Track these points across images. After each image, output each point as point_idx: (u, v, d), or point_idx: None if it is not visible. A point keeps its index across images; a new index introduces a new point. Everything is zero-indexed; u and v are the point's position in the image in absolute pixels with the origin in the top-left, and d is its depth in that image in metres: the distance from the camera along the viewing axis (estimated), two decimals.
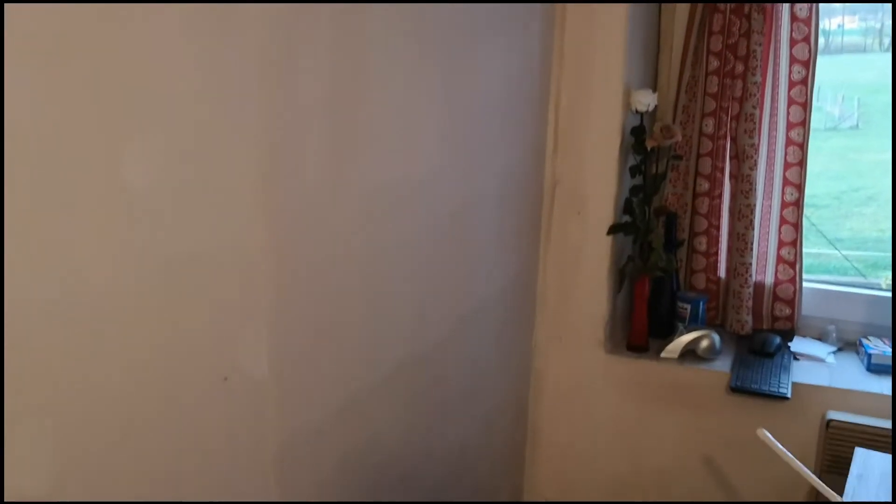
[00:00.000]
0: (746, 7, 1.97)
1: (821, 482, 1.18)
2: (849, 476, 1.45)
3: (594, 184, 2.00)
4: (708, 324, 2.13)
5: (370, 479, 1.39)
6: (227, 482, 1.03)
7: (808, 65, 1.97)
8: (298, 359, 1.14)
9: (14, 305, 0.71)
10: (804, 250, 2.09)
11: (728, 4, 1.99)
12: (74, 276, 0.77)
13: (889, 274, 2.10)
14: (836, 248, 3.44)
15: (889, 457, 1.54)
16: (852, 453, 1.56)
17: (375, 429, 1.39)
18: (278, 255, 1.06)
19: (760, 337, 2.07)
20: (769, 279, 2.12)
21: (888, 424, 1.79)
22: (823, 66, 2.01)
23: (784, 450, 1.23)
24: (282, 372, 1.10)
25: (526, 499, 2.24)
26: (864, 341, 2.02)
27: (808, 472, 1.22)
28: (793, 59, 1.98)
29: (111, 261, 0.82)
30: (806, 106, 1.99)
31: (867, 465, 1.53)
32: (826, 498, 1.19)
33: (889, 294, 2.08)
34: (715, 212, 2.10)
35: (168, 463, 0.93)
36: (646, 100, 1.93)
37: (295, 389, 1.15)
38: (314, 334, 1.17)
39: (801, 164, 2.02)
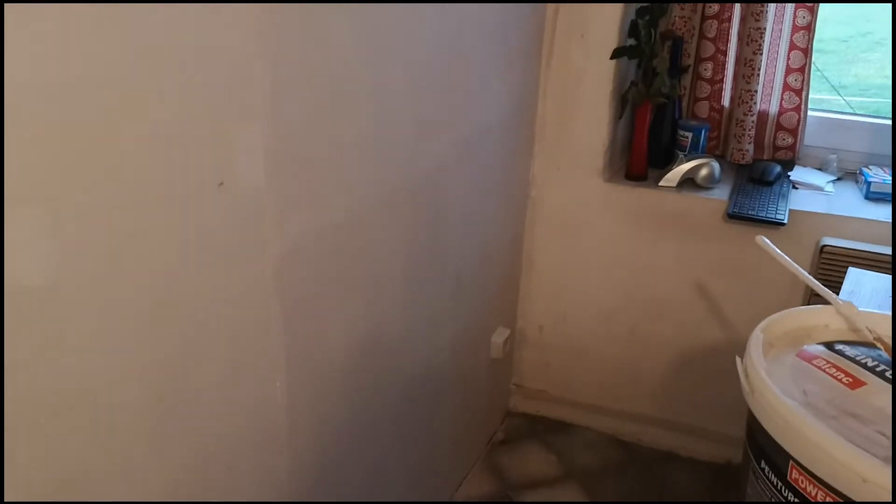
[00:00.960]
0: None
1: (818, 283, 1.19)
2: (840, 293, 1.46)
3: (598, 5, 1.92)
4: (708, 153, 2.11)
5: (369, 295, 1.40)
6: (225, 294, 1.02)
7: None
8: (296, 166, 1.11)
9: None
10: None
11: None
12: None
13: None
14: (840, 95, 3.38)
15: (883, 276, 1.56)
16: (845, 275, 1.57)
17: (375, 246, 1.39)
18: (274, 56, 1.01)
19: (760, 166, 2.05)
20: (773, 108, 2.07)
21: (882, 249, 1.80)
22: None
23: (782, 254, 1.23)
24: (280, 179, 1.07)
25: (519, 324, 2.29)
26: (865, 170, 2.00)
27: (806, 273, 1.23)
28: None
29: (96, 51, 0.77)
30: None
31: (859, 283, 1.55)
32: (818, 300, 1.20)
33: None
34: (723, 36, 2.03)
35: (167, 273, 0.92)
36: None
37: (293, 198, 1.12)
38: (312, 143, 1.13)
39: None
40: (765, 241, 1.26)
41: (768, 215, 1.87)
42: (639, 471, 2.17)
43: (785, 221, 1.85)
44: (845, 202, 1.94)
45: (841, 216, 1.88)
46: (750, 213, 1.89)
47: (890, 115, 2.06)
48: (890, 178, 1.95)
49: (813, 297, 1.84)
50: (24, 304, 0.74)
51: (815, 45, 2.00)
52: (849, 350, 1.12)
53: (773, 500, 0.99)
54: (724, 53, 2.05)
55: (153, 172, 0.86)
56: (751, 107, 2.02)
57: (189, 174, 0.92)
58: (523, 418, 2.36)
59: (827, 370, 1.08)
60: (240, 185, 1.00)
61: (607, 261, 2.14)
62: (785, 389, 1.01)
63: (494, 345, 2.12)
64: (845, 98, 3.41)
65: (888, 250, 1.79)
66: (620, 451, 2.24)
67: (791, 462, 0.95)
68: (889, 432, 0.95)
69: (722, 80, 2.08)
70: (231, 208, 1.00)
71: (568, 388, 2.31)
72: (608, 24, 1.93)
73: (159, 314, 0.92)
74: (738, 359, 1.06)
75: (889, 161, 2.02)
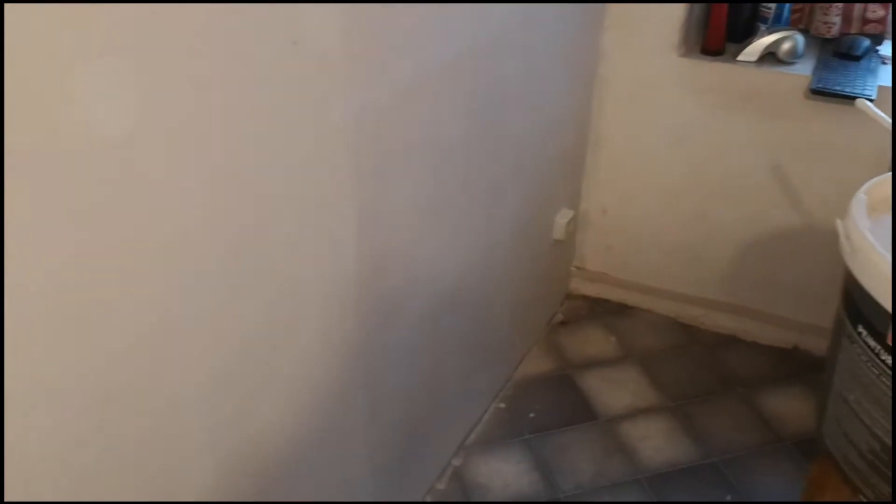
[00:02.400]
0: None
1: None
2: None
3: None
4: (792, 26, 1.99)
5: (433, 162, 1.37)
6: (299, 151, 1.01)
7: None
8: (366, 27, 1.07)
9: None
10: None
11: None
12: None
13: None
14: None
15: None
16: None
17: (437, 114, 1.35)
18: None
19: (847, 40, 1.93)
20: None
21: None
22: None
23: (885, 116, 1.16)
24: (350, 39, 1.03)
25: (583, 206, 2.25)
26: None
27: None
28: None
29: None
30: None
31: None
32: None
33: None
34: None
35: (242, 129, 0.89)
36: None
37: (363, 60, 1.09)
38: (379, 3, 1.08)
39: None
40: (866, 103, 1.19)
41: (855, 91, 1.77)
42: (699, 354, 2.16)
43: (873, 97, 1.75)
44: None
45: None
46: (835, 88, 1.80)
47: None
48: None
49: None
50: (103, 155, 0.73)
51: None
52: None
53: (869, 363, 0.97)
54: None
55: (230, 28, 0.84)
56: None
57: (264, 31, 0.89)
58: (583, 300, 2.35)
59: None
60: (313, 45, 0.97)
61: (678, 140, 2.07)
62: (887, 251, 0.97)
63: (557, 225, 2.09)
64: None
65: None
66: (681, 334, 2.23)
67: (893, 323, 0.92)
68: None
69: None
70: (305, 67, 0.97)
71: (630, 270, 2.29)
72: None
73: (234, 170, 0.90)
74: (838, 221, 1.01)
75: None
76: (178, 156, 0.82)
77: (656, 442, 1.88)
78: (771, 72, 1.90)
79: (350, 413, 1.32)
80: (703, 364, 2.13)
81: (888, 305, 0.92)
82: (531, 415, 1.95)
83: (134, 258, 0.80)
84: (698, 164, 2.07)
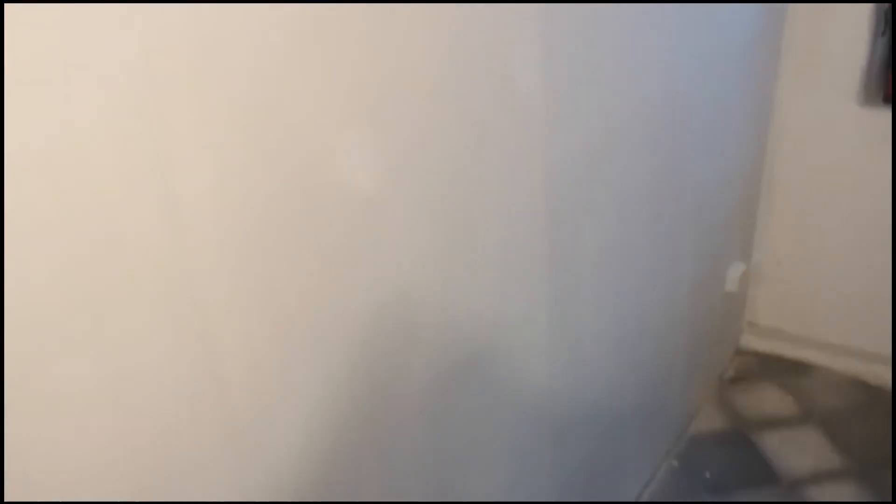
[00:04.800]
0: None
1: None
2: None
3: None
4: None
5: (618, 217, 1.38)
6: (501, 195, 1.05)
7: None
8: (568, 79, 1.11)
9: None
10: None
11: None
12: None
13: None
14: None
15: None
16: None
17: (626, 164, 1.36)
18: None
19: None
20: None
21: None
22: None
23: None
24: (553, 89, 1.08)
25: (755, 258, 2.19)
26: None
27: None
28: None
29: None
30: None
31: None
32: None
33: None
34: None
35: (455, 170, 0.95)
36: None
37: (563, 108, 1.12)
38: (580, 55, 1.12)
39: None
40: None
41: None
42: (886, 415, 2.03)
43: None
44: None
45: None
46: None
47: None
48: None
49: None
50: (357, 210, 0.80)
51: None
52: None
53: None
54: None
55: (448, 75, 0.89)
56: None
57: (477, 77, 0.94)
58: (756, 356, 2.26)
59: None
60: (520, 91, 1.01)
61: (859, 190, 1.98)
62: None
63: (730, 277, 2.04)
64: None
65: None
66: (865, 394, 2.10)
67: None
68: None
69: None
70: (512, 112, 1.01)
71: (806, 325, 2.19)
72: None
73: (454, 219, 0.96)
74: None
75: None
76: (412, 209, 0.88)
77: None
78: None
79: (537, 470, 1.33)
80: (891, 427, 1.99)
81: None
82: (706, 474, 1.88)
83: (372, 304, 0.85)
84: (881, 215, 1.97)
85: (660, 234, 1.57)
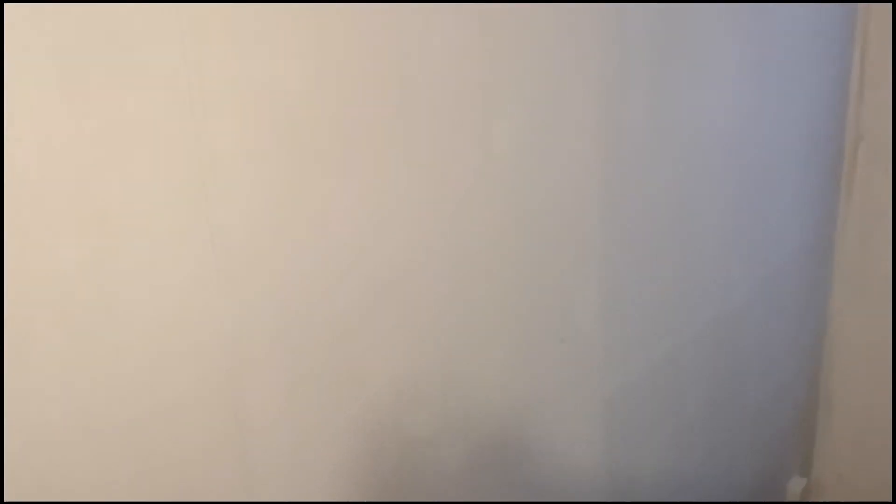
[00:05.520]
0: None
1: None
2: None
3: None
4: None
5: (676, 440, 1.38)
6: (559, 434, 1.07)
7: None
8: (623, 318, 1.16)
9: None
10: None
11: None
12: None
13: None
14: None
15: None
16: None
17: (683, 388, 1.38)
18: (604, 211, 1.06)
19: None
20: None
21: None
22: None
23: None
24: (609, 331, 1.12)
25: (815, 472, 2.12)
26: None
27: None
28: None
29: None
30: None
31: None
32: None
33: None
34: None
35: (514, 415, 0.97)
36: None
37: (617, 347, 1.16)
38: (635, 295, 1.17)
39: None
40: None
41: None
42: None
43: None
44: None
45: None
46: None
47: None
48: None
49: None
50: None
51: None
52: None
53: None
54: None
55: (508, 324, 0.94)
56: None
57: (537, 333, 0.99)
58: None
59: None
60: (578, 339, 1.06)
61: None
62: None
63: (791, 491, 1.97)
64: None
65: None
66: None
67: None
68: None
69: None
70: (570, 358, 1.06)
71: None
72: None
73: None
74: None
75: None
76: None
77: None
78: None
79: None
80: None
81: None
82: None
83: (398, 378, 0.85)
84: None
85: (716, 450, 1.55)
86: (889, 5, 1.74)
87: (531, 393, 1.02)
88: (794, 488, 1.97)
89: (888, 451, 2.01)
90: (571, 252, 1.02)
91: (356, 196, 0.74)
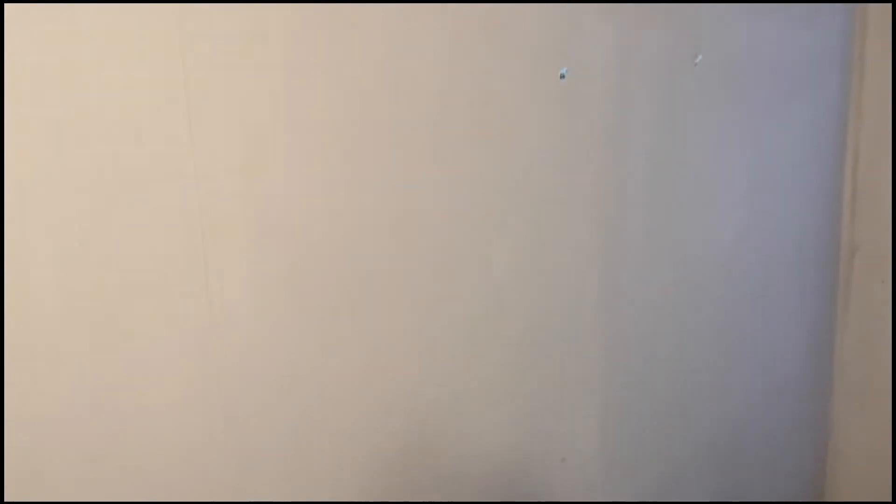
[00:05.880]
0: None
1: None
2: None
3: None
4: None
5: None
6: None
7: None
8: (623, 434, 1.12)
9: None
10: None
11: None
12: None
13: None
14: None
15: None
16: None
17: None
18: (605, 328, 1.04)
19: None
20: None
21: None
22: None
23: None
24: (610, 452, 1.08)
25: None
26: None
27: None
28: None
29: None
30: None
31: None
32: None
33: None
34: None
35: None
36: None
37: (619, 464, 1.13)
38: (637, 408, 1.14)
39: None
40: None
41: None
42: None
43: None
44: None
45: None
46: None
47: None
48: None
49: None
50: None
51: None
52: None
53: None
54: None
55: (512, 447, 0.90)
56: None
57: (537, 448, 0.95)
58: None
59: None
60: (579, 459, 1.03)
61: None
62: None
63: None
64: None
65: None
66: None
67: None
68: None
69: None
70: (572, 480, 1.02)
71: None
72: None
73: None
74: None
75: None
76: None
77: None
78: None
79: None
80: None
81: None
82: None
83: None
84: None
85: None
86: (887, 117, 1.76)
87: None
88: None
89: None
90: (571, 375, 1.00)
91: (362, 348, 0.76)
